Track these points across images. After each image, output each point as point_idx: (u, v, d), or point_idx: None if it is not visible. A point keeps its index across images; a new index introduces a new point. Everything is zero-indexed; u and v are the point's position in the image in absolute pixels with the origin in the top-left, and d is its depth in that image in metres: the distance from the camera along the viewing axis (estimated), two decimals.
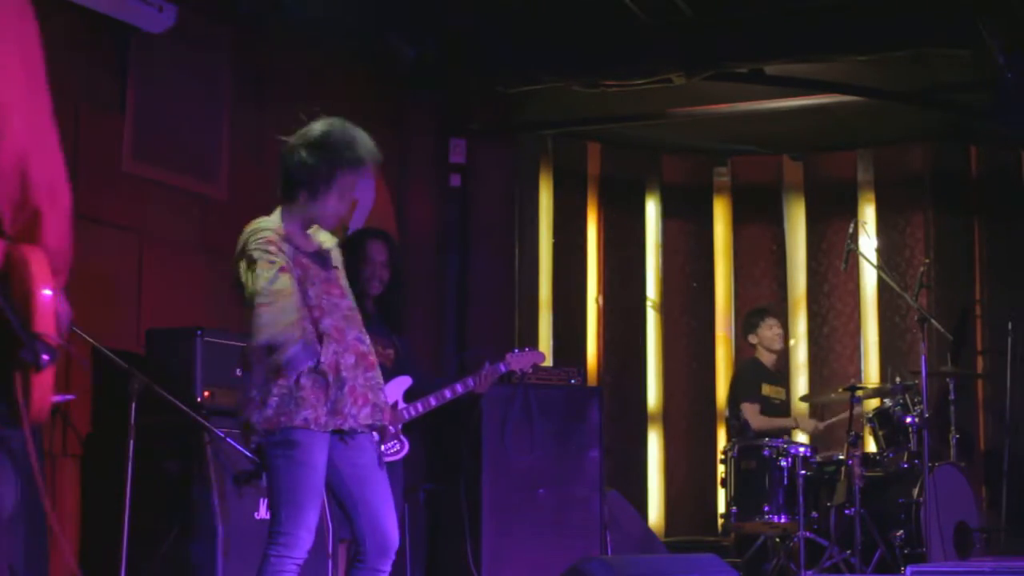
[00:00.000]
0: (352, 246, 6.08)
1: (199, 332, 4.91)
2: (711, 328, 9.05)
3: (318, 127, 4.26)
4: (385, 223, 7.09)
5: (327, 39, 6.58)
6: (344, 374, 4.01)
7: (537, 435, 6.30)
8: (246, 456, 4.74)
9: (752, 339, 7.91)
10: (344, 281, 4.21)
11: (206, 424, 4.73)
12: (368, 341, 4.14)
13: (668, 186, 9.11)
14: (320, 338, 4.00)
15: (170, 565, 4.75)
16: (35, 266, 2.48)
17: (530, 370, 5.98)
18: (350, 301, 4.16)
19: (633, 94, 7.34)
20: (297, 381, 3.94)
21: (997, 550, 7.24)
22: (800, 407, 8.33)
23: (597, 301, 8.71)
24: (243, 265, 4.08)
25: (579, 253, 8.69)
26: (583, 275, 8.68)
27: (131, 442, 4.60)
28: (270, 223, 4.16)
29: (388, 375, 5.94)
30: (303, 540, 3.93)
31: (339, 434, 4.03)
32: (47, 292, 2.47)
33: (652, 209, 9.08)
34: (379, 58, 6.99)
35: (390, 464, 5.84)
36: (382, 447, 4.29)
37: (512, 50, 7.25)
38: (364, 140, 4.24)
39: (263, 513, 4.93)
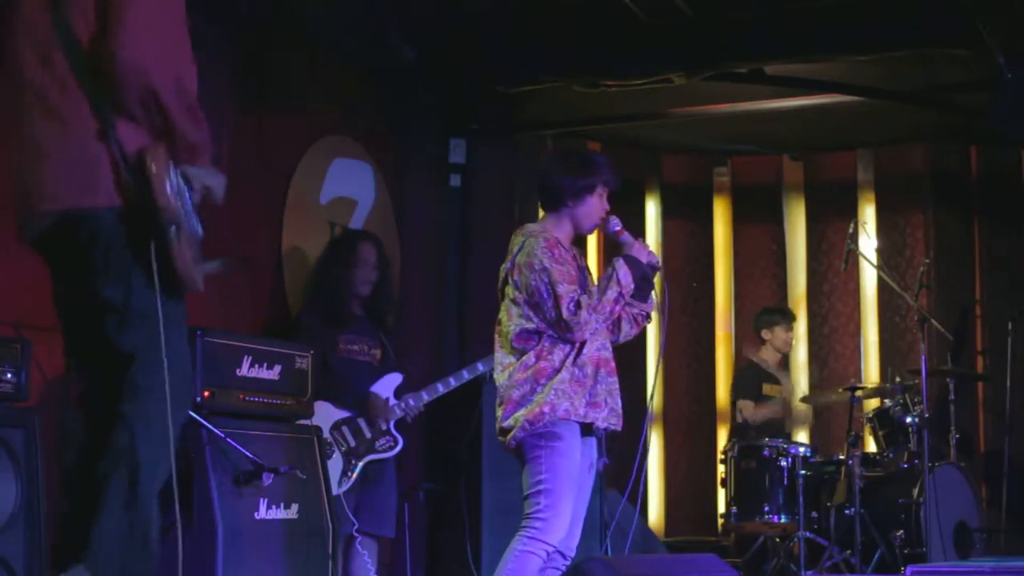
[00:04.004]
0: (344, 247, 6.13)
1: (199, 332, 4.91)
2: (711, 328, 9.06)
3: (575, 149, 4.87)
4: (385, 223, 7.10)
5: (327, 39, 6.58)
6: (602, 370, 4.37)
7: None
8: (246, 456, 4.75)
9: (766, 334, 7.89)
10: None
11: (206, 424, 4.73)
12: (609, 346, 4.48)
13: (668, 186, 9.11)
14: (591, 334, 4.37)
15: (170, 565, 4.74)
16: (152, 157, 3.01)
17: None
18: None
19: (633, 94, 7.33)
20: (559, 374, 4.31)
21: (997, 550, 7.24)
22: (800, 407, 8.33)
23: None
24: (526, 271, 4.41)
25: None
26: None
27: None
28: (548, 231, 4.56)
29: (376, 374, 5.97)
30: (558, 528, 4.25)
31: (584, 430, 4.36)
32: (155, 176, 3.00)
33: (652, 209, 9.08)
34: (379, 58, 6.99)
35: (384, 461, 5.88)
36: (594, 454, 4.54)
37: (512, 50, 7.24)
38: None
39: (263, 513, 4.93)
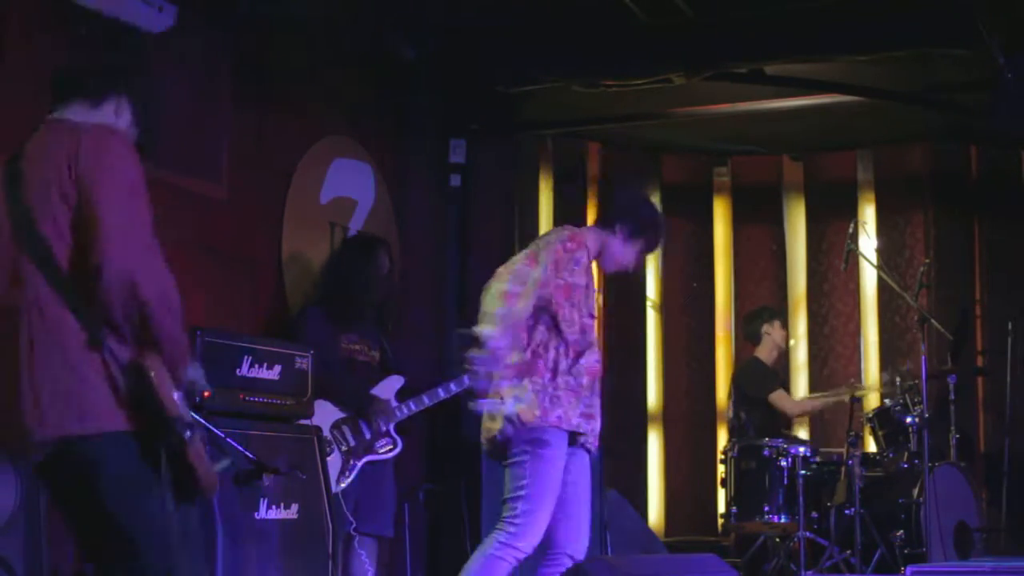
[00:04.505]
0: (362, 252, 6.13)
1: (199, 332, 4.90)
2: (711, 328, 9.06)
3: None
4: (385, 223, 7.10)
5: (327, 39, 6.58)
6: (595, 384, 4.46)
7: None
8: (246, 456, 4.75)
9: (767, 328, 7.86)
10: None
11: (206, 424, 4.72)
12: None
13: (668, 186, 9.11)
14: (589, 345, 4.41)
15: None
16: (155, 372, 2.92)
17: None
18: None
19: (633, 94, 7.33)
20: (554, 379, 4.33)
21: (997, 550, 7.24)
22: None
23: (597, 301, 8.70)
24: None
25: None
26: None
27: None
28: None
29: (374, 375, 5.98)
30: (532, 535, 4.31)
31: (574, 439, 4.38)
32: (171, 388, 2.95)
33: None
34: (379, 58, 6.99)
35: (382, 462, 5.88)
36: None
37: (512, 50, 7.24)
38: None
39: (263, 513, 4.93)
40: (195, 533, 3.11)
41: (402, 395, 5.95)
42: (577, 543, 4.31)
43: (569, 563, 4.28)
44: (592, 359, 4.37)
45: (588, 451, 4.46)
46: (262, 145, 6.33)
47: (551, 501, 4.24)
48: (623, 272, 4.64)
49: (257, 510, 4.91)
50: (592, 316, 4.47)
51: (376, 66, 7.05)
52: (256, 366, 5.13)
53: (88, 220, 2.88)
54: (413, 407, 5.90)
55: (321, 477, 5.28)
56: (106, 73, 3.14)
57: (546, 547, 4.35)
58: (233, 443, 4.70)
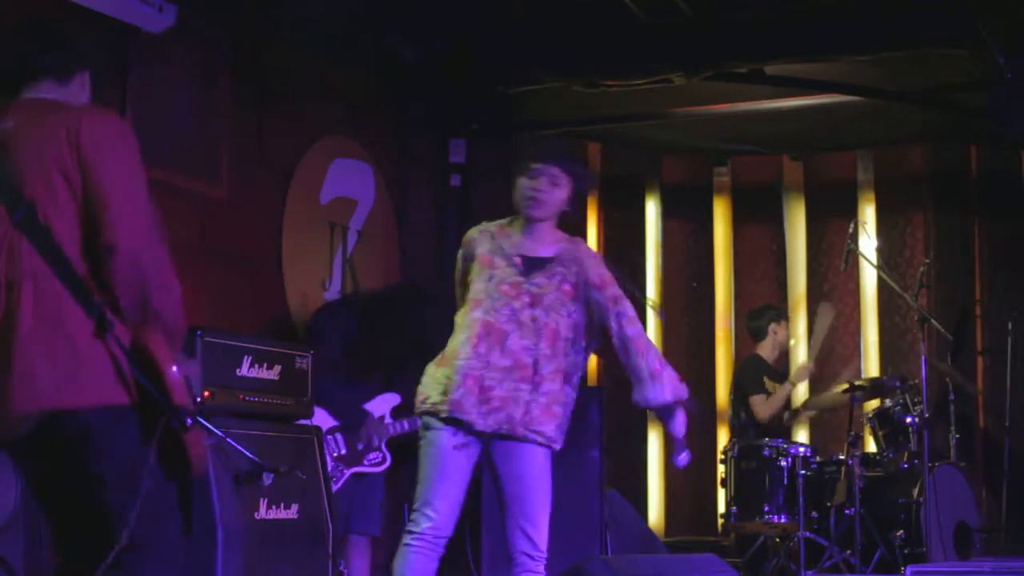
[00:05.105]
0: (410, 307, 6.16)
1: (199, 332, 4.91)
2: (711, 328, 9.06)
3: None
4: (385, 223, 7.10)
5: (327, 39, 6.58)
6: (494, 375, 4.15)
7: None
8: (246, 456, 4.74)
9: (774, 327, 7.85)
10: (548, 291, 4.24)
11: (206, 424, 4.72)
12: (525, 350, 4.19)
13: (668, 186, 9.11)
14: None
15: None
16: (157, 352, 2.93)
17: None
18: (534, 311, 4.20)
19: (633, 94, 7.33)
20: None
21: (997, 550, 7.24)
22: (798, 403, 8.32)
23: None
24: None
25: None
26: None
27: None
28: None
29: (369, 391, 5.99)
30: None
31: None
32: (174, 369, 2.94)
33: (652, 209, 9.08)
34: (379, 58, 6.99)
35: (371, 476, 5.88)
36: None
37: (512, 50, 7.24)
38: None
39: (263, 513, 4.93)
40: (176, 511, 3.10)
41: (398, 412, 5.98)
42: (526, 541, 4.17)
43: (525, 561, 4.17)
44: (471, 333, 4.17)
45: (521, 440, 4.16)
46: (262, 145, 6.33)
47: (433, 486, 4.11)
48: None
49: (257, 510, 4.91)
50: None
51: (376, 66, 7.05)
52: (256, 366, 5.14)
53: (97, 201, 2.90)
54: (407, 426, 5.91)
55: (321, 477, 5.28)
56: (72, 49, 3.14)
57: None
58: (233, 443, 4.71)
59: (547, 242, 4.31)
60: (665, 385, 4.23)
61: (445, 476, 4.11)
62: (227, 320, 5.76)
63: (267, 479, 4.73)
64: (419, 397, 4.22)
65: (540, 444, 4.18)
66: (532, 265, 4.24)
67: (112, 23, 5.39)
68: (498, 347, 4.13)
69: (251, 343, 5.18)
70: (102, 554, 2.89)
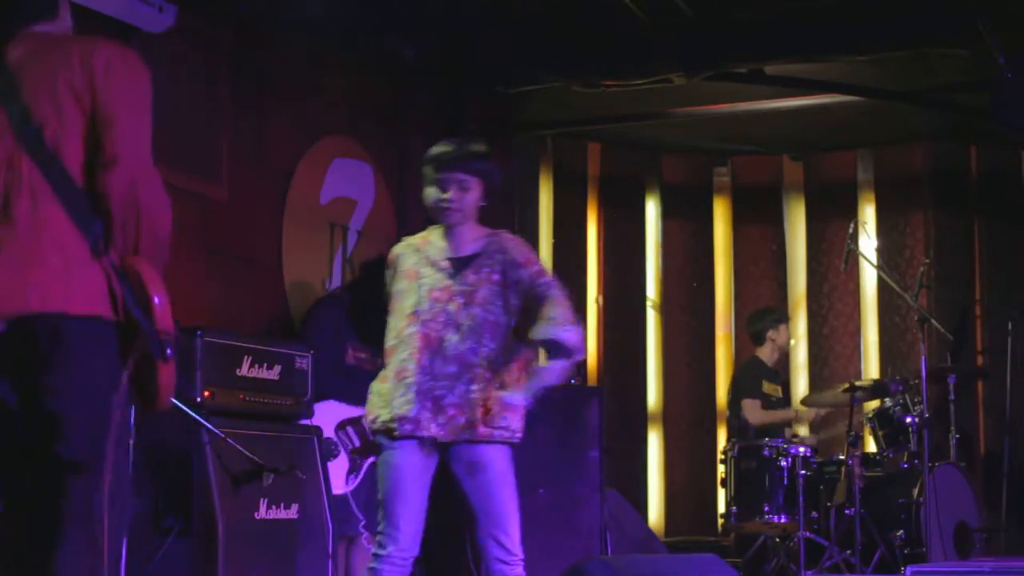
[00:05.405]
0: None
1: (199, 332, 4.91)
2: (711, 328, 9.06)
3: None
4: (385, 223, 7.10)
5: (327, 39, 6.58)
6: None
7: (537, 435, 6.28)
8: (246, 456, 4.75)
9: (772, 335, 7.87)
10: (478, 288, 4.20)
11: (206, 424, 4.73)
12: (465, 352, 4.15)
13: (668, 186, 9.12)
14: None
15: (170, 565, 4.75)
16: (147, 276, 2.91)
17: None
18: (470, 310, 4.16)
19: (633, 94, 7.33)
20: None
21: (997, 550, 7.24)
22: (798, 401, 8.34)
23: (597, 301, 8.71)
24: None
25: (579, 253, 8.70)
26: (583, 275, 8.68)
27: (131, 442, 4.60)
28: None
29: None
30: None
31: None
32: (157, 299, 2.90)
33: (652, 209, 9.08)
34: (379, 58, 6.99)
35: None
36: None
37: (512, 50, 7.24)
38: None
39: (263, 513, 4.93)
40: (127, 437, 3.06)
41: None
42: (499, 548, 4.09)
43: (501, 568, 4.10)
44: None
45: (485, 442, 4.11)
46: (262, 145, 6.33)
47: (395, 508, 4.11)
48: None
49: (257, 510, 4.91)
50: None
51: (376, 66, 7.05)
52: (256, 366, 5.13)
53: (104, 118, 2.91)
54: None
55: (321, 477, 5.28)
56: None
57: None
58: (233, 443, 4.71)
59: (470, 240, 4.29)
60: (569, 331, 4.14)
61: (406, 497, 4.09)
62: (227, 320, 5.76)
63: (267, 479, 4.74)
64: (369, 417, 4.20)
65: (503, 442, 4.13)
66: (460, 265, 4.22)
67: (112, 23, 5.38)
68: (439, 356, 4.10)
69: (251, 343, 5.18)
70: (43, 485, 2.83)
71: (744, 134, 8.70)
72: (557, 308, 4.17)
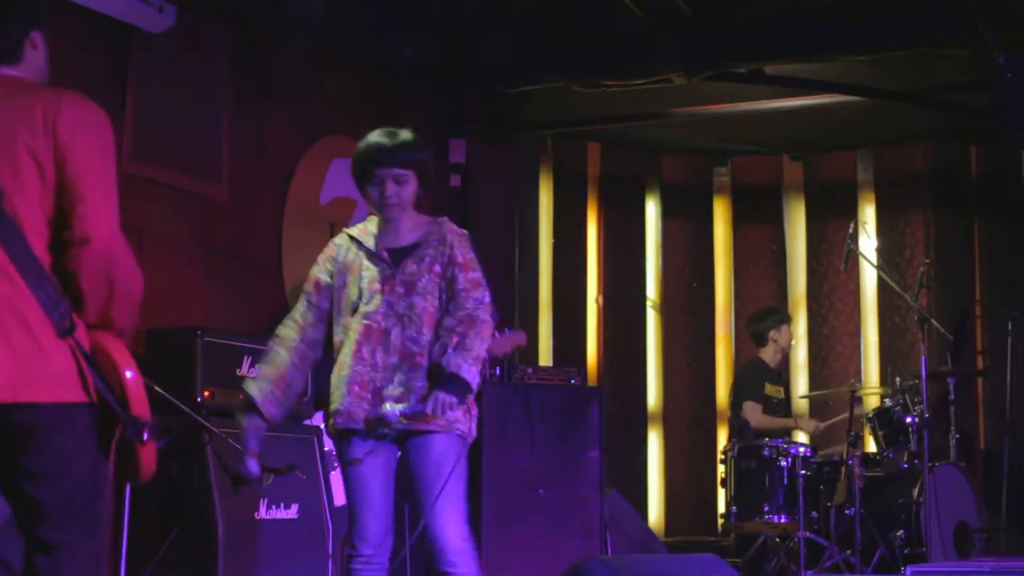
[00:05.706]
0: None
1: (199, 332, 4.91)
2: (711, 328, 9.06)
3: None
4: None
5: (327, 39, 6.58)
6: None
7: (537, 435, 6.30)
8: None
9: (774, 335, 7.86)
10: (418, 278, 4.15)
11: (206, 424, 4.73)
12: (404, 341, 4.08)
13: (668, 186, 9.12)
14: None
15: (170, 565, 4.76)
16: (116, 353, 2.83)
17: (514, 353, 6.05)
18: (410, 299, 4.11)
19: (633, 94, 7.34)
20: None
21: (997, 550, 7.24)
22: (800, 406, 8.34)
23: (597, 301, 8.71)
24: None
25: (579, 253, 8.70)
26: (583, 275, 8.68)
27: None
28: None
29: None
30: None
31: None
32: (130, 374, 2.81)
33: (652, 209, 9.08)
34: (379, 58, 6.99)
35: None
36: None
37: (512, 50, 7.25)
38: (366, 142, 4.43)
39: (263, 513, 4.93)
40: (100, 519, 2.94)
41: None
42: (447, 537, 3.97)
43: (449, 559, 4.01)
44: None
45: (434, 432, 4.02)
46: (262, 145, 6.33)
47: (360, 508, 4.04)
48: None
49: (257, 510, 4.91)
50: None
51: (376, 66, 7.05)
52: (256, 366, 5.13)
53: (71, 191, 2.77)
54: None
55: (321, 477, 5.28)
56: (8, 20, 2.92)
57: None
58: (233, 443, 4.71)
59: (409, 229, 4.27)
60: (473, 371, 4.00)
61: (368, 495, 4.02)
62: (227, 320, 5.76)
63: (267, 479, 4.73)
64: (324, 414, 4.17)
65: (444, 431, 4.01)
66: (400, 255, 4.19)
67: (112, 23, 5.39)
68: (381, 346, 4.04)
69: (251, 343, 5.18)
70: (31, 564, 2.82)
71: (744, 134, 8.70)
72: (475, 338, 4.02)
